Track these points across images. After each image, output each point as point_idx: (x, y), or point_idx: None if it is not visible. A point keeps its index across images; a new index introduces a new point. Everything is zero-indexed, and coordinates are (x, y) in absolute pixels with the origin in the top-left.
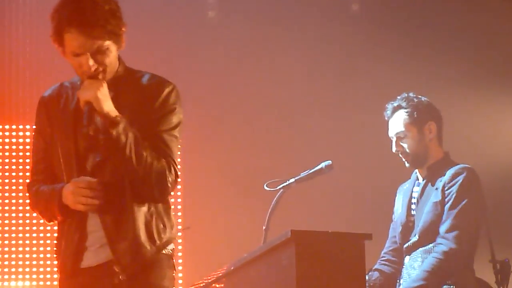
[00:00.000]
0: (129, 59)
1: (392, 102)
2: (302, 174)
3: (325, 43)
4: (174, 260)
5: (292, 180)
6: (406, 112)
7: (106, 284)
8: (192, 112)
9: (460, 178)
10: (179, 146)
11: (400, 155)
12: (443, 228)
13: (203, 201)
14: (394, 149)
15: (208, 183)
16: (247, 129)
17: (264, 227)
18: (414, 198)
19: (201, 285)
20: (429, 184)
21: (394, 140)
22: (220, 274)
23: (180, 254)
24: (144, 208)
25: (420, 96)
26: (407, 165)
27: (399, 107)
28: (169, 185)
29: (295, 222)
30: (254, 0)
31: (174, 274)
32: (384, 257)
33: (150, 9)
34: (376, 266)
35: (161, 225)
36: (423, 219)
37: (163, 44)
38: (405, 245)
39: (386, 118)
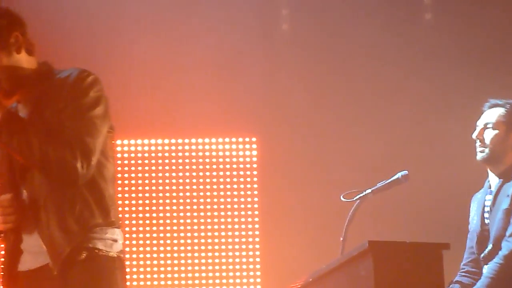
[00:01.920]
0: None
1: (495, 100)
2: (379, 185)
3: (400, 52)
4: (120, 263)
5: (369, 190)
6: (504, 110)
7: (46, 286)
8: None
9: None
10: (101, 130)
11: (477, 144)
12: (509, 231)
13: (280, 213)
14: (475, 135)
15: (285, 195)
16: (322, 140)
17: (341, 238)
18: (487, 206)
19: None
20: (501, 191)
21: (479, 127)
22: (299, 286)
23: (258, 266)
24: (67, 201)
25: None
26: (478, 157)
27: (498, 105)
28: (76, 171)
29: (372, 233)
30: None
31: (123, 277)
32: (464, 268)
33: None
34: (456, 278)
35: (89, 217)
36: (496, 227)
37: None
38: (482, 255)
39: (482, 109)
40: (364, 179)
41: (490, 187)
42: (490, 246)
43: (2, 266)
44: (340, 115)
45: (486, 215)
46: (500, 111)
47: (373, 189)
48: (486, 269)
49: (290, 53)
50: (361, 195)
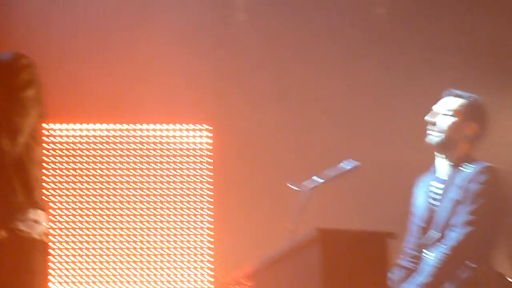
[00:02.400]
0: None
1: (458, 91)
2: (330, 174)
3: (354, 39)
4: (42, 245)
5: (321, 181)
6: (464, 102)
7: None
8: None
9: (483, 177)
10: (30, 112)
11: (430, 126)
12: (455, 221)
13: (234, 200)
14: (430, 117)
15: (239, 183)
16: (277, 128)
17: (290, 226)
18: (433, 192)
19: (231, 283)
20: (452, 180)
21: (436, 112)
22: (249, 272)
23: (212, 253)
24: None
25: (481, 99)
26: (430, 140)
27: (460, 96)
28: (1, 150)
29: (320, 221)
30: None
31: (45, 259)
32: (408, 253)
33: None
34: (401, 263)
35: (12, 195)
36: (443, 216)
37: None
38: (425, 240)
39: (442, 96)
40: (315, 166)
41: (436, 173)
42: (436, 234)
43: None
44: (294, 102)
45: (432, 201)
46: (461, 101)
47: (325, 179)
48: (431, 257)
49: (246, 39)
50: (314, 185)
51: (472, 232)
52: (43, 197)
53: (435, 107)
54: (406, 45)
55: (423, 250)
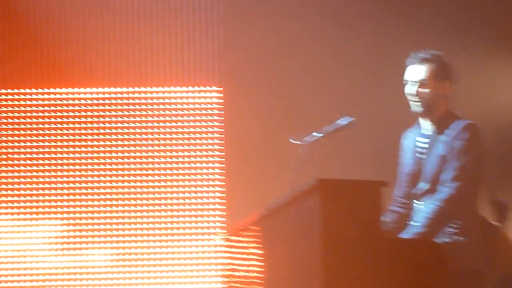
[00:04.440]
0: None
1: (419, 53)
2: (328, 130)
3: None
4: None
5: (320, 135)
6: (432, 66)
7: None
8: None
9: (466, 134)
10: None
11: (412, 98)
12: (445, 177)
13: (246, 157)
14: (409, 91)
15: (250, 141)
16: (284, 88)
17: (292, 176)
18: (419, 148)
19: (241, 227)
20: (435, 136)
21: (411, 84)
22: (256, 219)
23: (224, 200)
24: None
25: (445, 56)
26: (415, 108)
27: (425, 60)
28: None
29: (320, 171)
30: None
31: None
32: (398, 200)
33: None
34: (392, 208)
35: None
36: (431, 170)
37: None
38: (414, 190)
39: (407, 64)
40: (315, 123)
41: (420, 127)
42: (426, 186)
43: None
44: (298, 64)
45: (418, 155)
46: (427, 67)
47: (322, 134)
48: (422, 206)
49: (257, 1)
50: (313, 139)
51: (461, 186)
52: None
53: (408, 78)
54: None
55: (413, 200)
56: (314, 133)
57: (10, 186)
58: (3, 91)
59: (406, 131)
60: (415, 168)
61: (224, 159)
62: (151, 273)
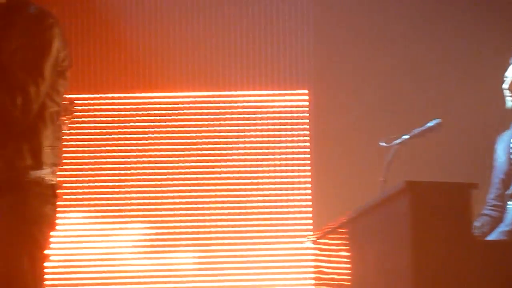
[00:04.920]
0: None
1: None
2: (415, 131)
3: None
4: (49, 190)
5: (407, 137)
6: None
7: None
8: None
9: None
10: (47, 77)
11: (507, 93)
12: None
13: (332, 159)
14: (506, 86)
15: (336, 144)
16: (370, 91)
17: (382, 179)
18: None
19: (328, 230)
20: None
21: (509, 79)
22: (343, 221)
23: (310, 203)
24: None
25: None
26: (510, 104)
27: None
28: (13, 119)
29: (409, 174)
30: None
31: (47, 204)
32: (491, 202)
33: None
34: (484, 211)
35: (19, 159)
36: None
37: None
38: (508, 192)
39: (510, 62)
40: (404, 126)
41: None
42: None
43: None
44: (387, 68)
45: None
46: None
47: (410, 135)
48: None
49: (342, 4)
50: (400, 140)
51: None
52: (56, 157)
53: (508, 74)
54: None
55: (507, 201)
56: (403, 136)
57: (96, 190)
58: (90, 95)
59: (500, 135)
60: (508, 169)
61: (310, 162)
62: (238, 277)
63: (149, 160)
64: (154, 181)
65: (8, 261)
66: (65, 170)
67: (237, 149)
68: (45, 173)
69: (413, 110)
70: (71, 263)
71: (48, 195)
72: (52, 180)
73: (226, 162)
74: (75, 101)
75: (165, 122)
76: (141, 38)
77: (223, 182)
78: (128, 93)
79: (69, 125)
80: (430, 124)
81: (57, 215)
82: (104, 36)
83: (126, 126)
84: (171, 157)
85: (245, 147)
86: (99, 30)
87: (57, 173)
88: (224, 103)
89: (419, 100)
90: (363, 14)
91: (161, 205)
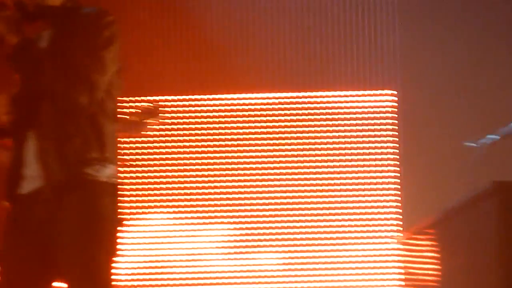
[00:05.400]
0: None
1: None
2: (504, 131)
3: None
4: (110, 188)
5: (496, 137)
6: None
7: (39, 208)
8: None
9: None
10: (108, 69)
11: None
12: None
13: (421, 162)
14: None
15: (425, 146)
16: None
17: (466, 180)
18: None
19: (417, 231)
20: None
21: None
22: (431, 222)
23: (399, 204)
24: (68, 133)
25: None
26: None
27: None
28: (79, 106)
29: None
30: None
31: (114, 202)
32: None
33: None
34: None
35: (87, 151)
36: None
37: None
38: None
39: None
40: (492, 126)
41: None
42: None
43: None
44: (476, 65)
45: None
46: None
47: (499, 135)
48: None
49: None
50: (488, 141)
51: None
52: (115, 152)
53: None
54: None
55: None
56: (490, 136)
57: (180, 191)
58: (174, 97)
59: None
60: None
61: (398, 163)
62: (325, 277)
63: (234, 161)
64: (239, 181)
65: (86, 258)
66: (152, 171)
67: (326, 150)
68: (110, 172)
69: (503, 110)
70: (157, 264)
71: (112, 193)
72: (116, 178)
73: (315, 163)
74: (161, 104)
75: (254, 123)
76: (228, 40)
77: (311, 183)
78: (215, 94)
79: (156, 127)
80: None
81: (138, 216)
82: (189, 38)
83: (214, 127)
84: (259, 157)
85: (333, 147)
86: (185, 32)
87: (146, 174)
88: (312, 103)
89: (506, 99)
90: (451, 12)
91: (246, 205)
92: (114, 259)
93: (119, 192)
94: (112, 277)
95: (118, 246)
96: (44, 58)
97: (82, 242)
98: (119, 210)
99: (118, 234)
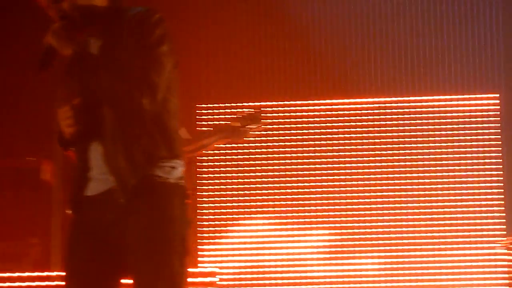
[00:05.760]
0: None
1: None
2: None
3: None
4: (178, 189)
5: None
6: None
7: (109, 211)
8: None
9: None
10: (166, 67)
11: None
12: None
13: None
14: None
15: None
16: None
17: None
18: None
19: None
20: None
21: None
22: None
23: (503, 208)
24: (134, 135)
25: None
26: None
27: None
28: (142, 107)
29: None
30: None
31: (183, 203)
32: None
33: None
34: None
35: (155, 149)
36: None
37: None
38: None
39: None
40: None
41: None
42: None
43: (71, 192)
44: None
45: None
46: None
47: None
48: None
49: None
50: None
51: None
52: (179, 148)
53: None
54: None
55: None
56: None
57: (281, 197)
58: (280, 103)
59: None
60: None
61: (501, 166)
62: (428, 283)
63: (334, 166)
64: (339, 186)
65: (159, 262)
66: (254, 177)
67: (429, 154)
68: (179, 173)
69: None
70: (259, 269)
71: (181, 194)
72: (184, 181)
73: (417, 168)
74: (262, 109)
75: (356, 128)
76: (329, 47)
77: (413, 187)
78: (316, 100)
79: (257, 133)
80: None
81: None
82: (292, 46)
83: (315, 132)
84: (361, 162)
85: (437, 152)
86: (288, 40)
87: (255, 180)
88: (415, 108)
89: None
90: None
91: (346, 211)
92: (187, 261)
93: (187, 195)
94: (187, 279)
95: (189, 248)
96: (98, 64)
97: (154, 245)
98: (188, 211)
99: (188, 236)
